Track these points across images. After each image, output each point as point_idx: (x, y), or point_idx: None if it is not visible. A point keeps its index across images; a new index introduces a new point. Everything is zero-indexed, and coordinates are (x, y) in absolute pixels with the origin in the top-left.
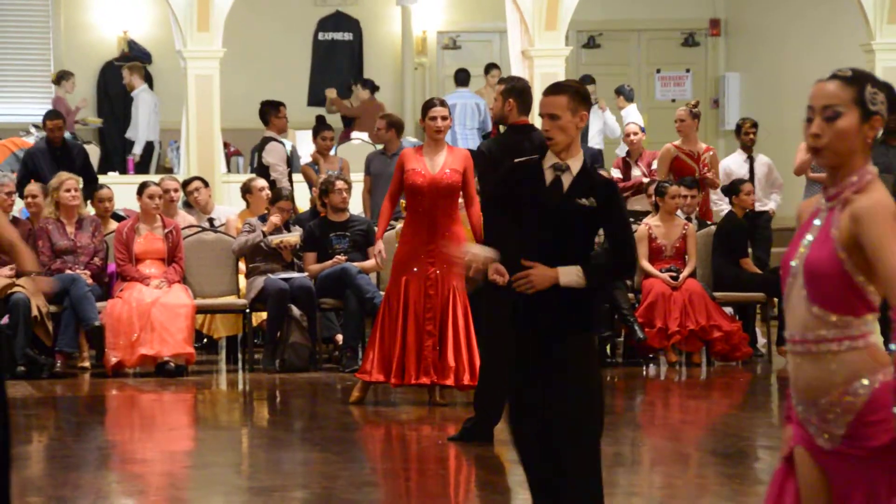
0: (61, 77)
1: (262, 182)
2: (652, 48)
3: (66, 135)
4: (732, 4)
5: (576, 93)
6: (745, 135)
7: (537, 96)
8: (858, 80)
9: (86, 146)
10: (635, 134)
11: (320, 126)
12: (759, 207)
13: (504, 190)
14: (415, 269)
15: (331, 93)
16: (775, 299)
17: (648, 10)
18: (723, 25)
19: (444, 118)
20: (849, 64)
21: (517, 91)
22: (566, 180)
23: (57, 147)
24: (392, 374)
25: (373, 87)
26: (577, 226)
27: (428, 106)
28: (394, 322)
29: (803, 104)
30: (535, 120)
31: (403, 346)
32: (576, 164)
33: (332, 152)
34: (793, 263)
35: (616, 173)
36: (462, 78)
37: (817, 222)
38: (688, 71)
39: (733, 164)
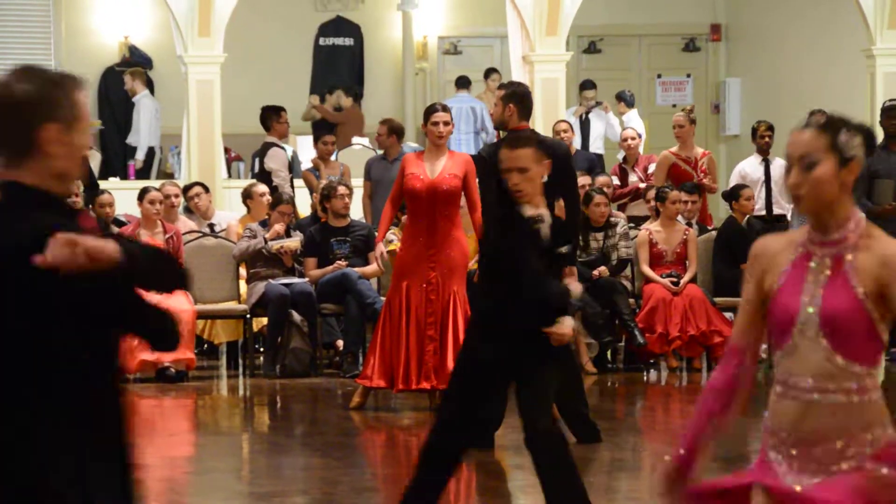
0: None
1: (262, 187)
2: (653, 53)
3: None
4: (733, 9)
5: (539, 143)
6: (761, 138)
7: (538, 102)
8: (833, 127)
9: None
10: (633, 139)
11: (321, 131)
12: (776, 211)
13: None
14: (416, 274)
15: (314, 99)
16: None
17: (649, 16)
18: (723, 30)
19: (445, 123)
20: (849, 69)
21: (518, 96)
22: (544, 231)
23: None
24: (393, 380)
25: (356, 95)
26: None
27: (430, 111)
28: (395, 327)
29: (804, 109)
30: (536, 125)
31: (406, 352)
32: (546, 211)
33: (332, 157)
34: (810, 310)
35: (614, 179)
36: (462, 82)
37: (814, 265)
38: (688, 76)
39: (749, 167)
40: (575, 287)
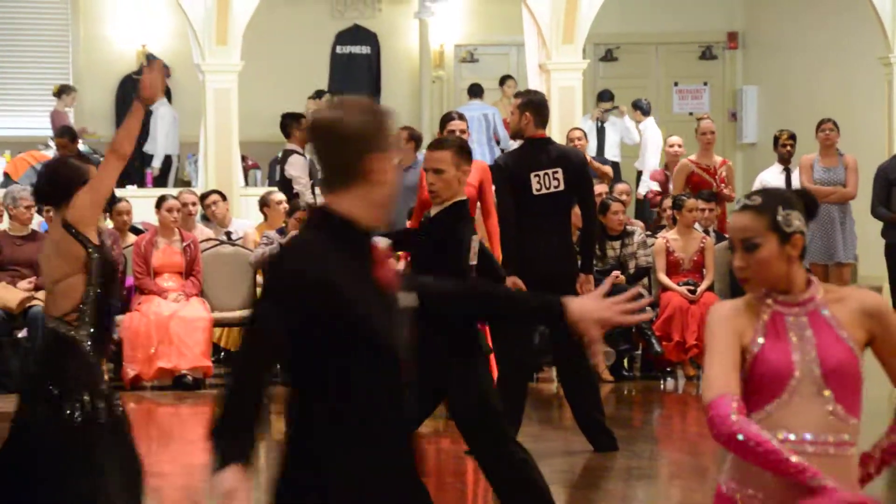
0: (62, 91)
1: (279, 195)
2: (669, 61)
3: (82, 148)
4: (750, 17)
5: (459, 148)
6: (783, 146)
7: (555, 110)
8: (769, 207)
9: (102, 159)
10: (680, 146)
11: None
12: None
13: None
14: None
15: (312, 104)
16: None
17: (666, 24)
18: (740, 38)
19: (462, 132)
20: (867, 77)
21: (534, 104)
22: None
23: None
24: None
25: None
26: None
27: (446, 119)
28: None
29: (820, 117)
30: (552, 133)
31: None
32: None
33: None
34: (798, 366)
35: (654, 186)
36: (475, 91)
37: (792, 320)
38: (705, 84)
39: (770, 176)
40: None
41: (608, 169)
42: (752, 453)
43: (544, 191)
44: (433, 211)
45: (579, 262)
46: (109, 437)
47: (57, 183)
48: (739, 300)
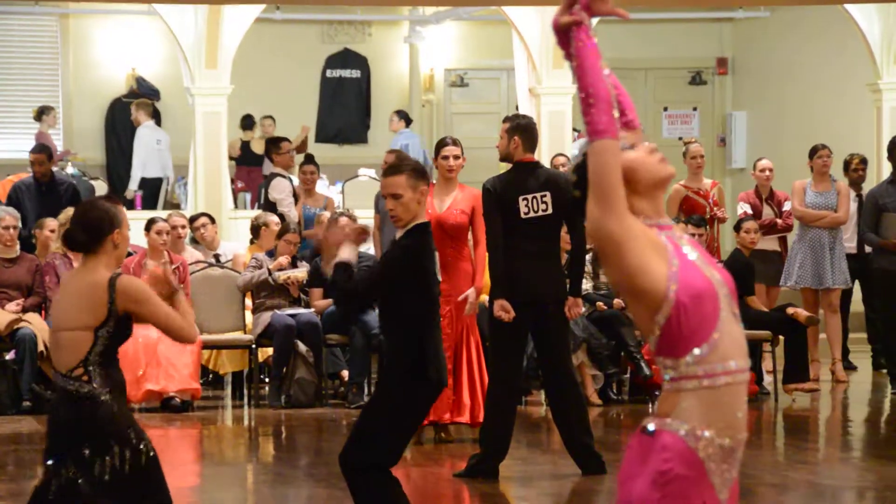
0: (42, 112)
1: (275, 217)
2: (659, 86)
3: (71, 170)
4: (739, 43)
5: (413, 170)
6: (854, 171)
7: (545, 135)
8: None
9: (92, 182)
10: (771, 171)
11: (303, 161)
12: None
13: None
14: None
15: (305, 130)
16: (780, 337)
17: (656, 49)
18: (730, 64)
19: (455, 157)
20: (856, 103)
21: (522, 128)
22: None
23: (43, 183)
24: None
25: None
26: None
27: (441, 145)
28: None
29: (809, 143)
30: (542, 157)
31: None
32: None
33: (319, 188)
34: (719, 289)
35: (744, 207)
36: (402, 115)
37: (691, 245)
38: (695, 109)
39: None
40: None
41: None
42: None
43: (532, 214)
44: (397, 234)
45: (568, 285)
46: (134, 486)
47: (89, 228)
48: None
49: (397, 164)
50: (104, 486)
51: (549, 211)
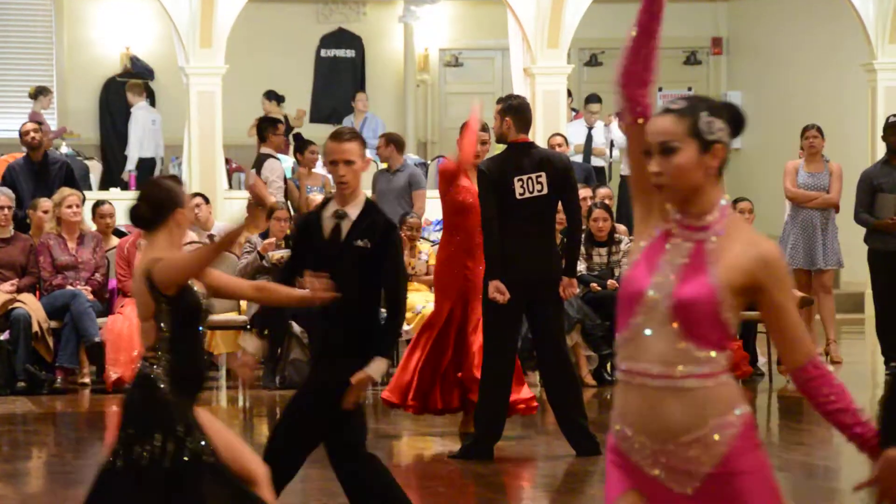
0: (39, 92)
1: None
2: None
3: (65, 150)
4: (734, 23)
5: (363, 141)
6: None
7: (539, 115)
8: (692, 111)
9: (86, 162)
10: (751, 212)
11: (304, 142)
12: None
13: (298, 248)
14: (459, 294)
15: (300, 112)
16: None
17: None
18: (725, 44)
19: (483, 143)
20: (850, 83)
21: (514, 109)
22: (345, 226)
23: (36, 162)
24: (426, 401)
25: (279, 98)
26: (360, 269)
27: (482, 129)
28: (441, 352)
29: (804, 123)
30: (537, 137)
31: (442, 373)
32: (356, 209)
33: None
34: (651, 293)
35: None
36: None
37: (672, 251)
38: (690, 89)
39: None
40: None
41: None
42: None
43: (527, 195)
44: (347, 209)
45: (563, 266)
46: (171, 485)
47: (154, 205)
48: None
49: (350, 131)
50: (139, 471)
51: (544, 191)
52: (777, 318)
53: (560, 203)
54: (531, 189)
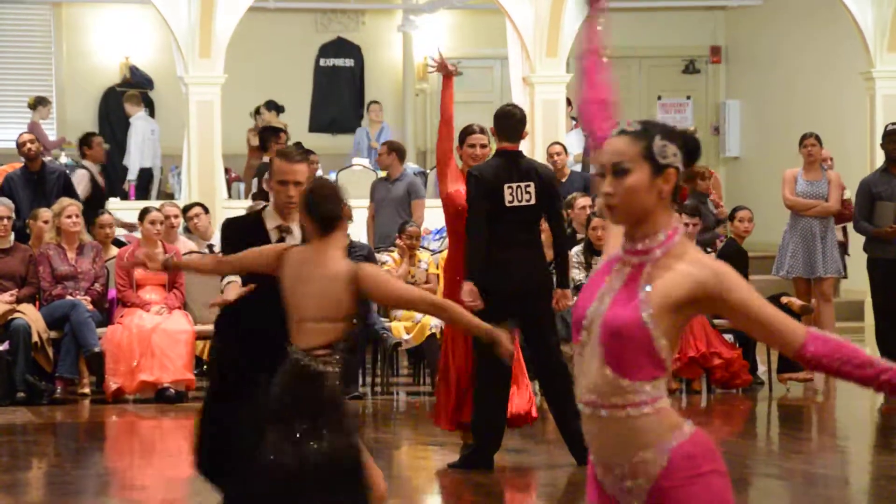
0: (38, 103)
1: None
2: (653, 75)
3: (64, 160)
4: (733, 32)
5: (311, 161)
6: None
7: (539, 124)
8: (646, 134)
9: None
10: (750, 220)
11: (304, 152)
12: None
13: (230, 248)
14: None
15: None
16: None
17: (649, 38)
18: (723, 53)
19: (482, 146)
20: (849, 92)
21: (496, 117)
22: (291, 242)
23: (34, 172)
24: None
25: (278, 109)
26: None
27: (467, 132)
28: (462, 367)
29: (803, 131)
30: (536, 146)
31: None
32: (297, 228)
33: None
34: (586, 320)
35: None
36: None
37: (614, 275)
38: (688, 98)
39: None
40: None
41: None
42: None
43: (516, 203)
44: (291, 226)
45: (554, 277)
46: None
47: (339, 206)
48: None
49: (302, 152)
50: (310, 466)
51: (532, 201)
52: (749, 315)
53: (545, 214)
54: (520, 198)
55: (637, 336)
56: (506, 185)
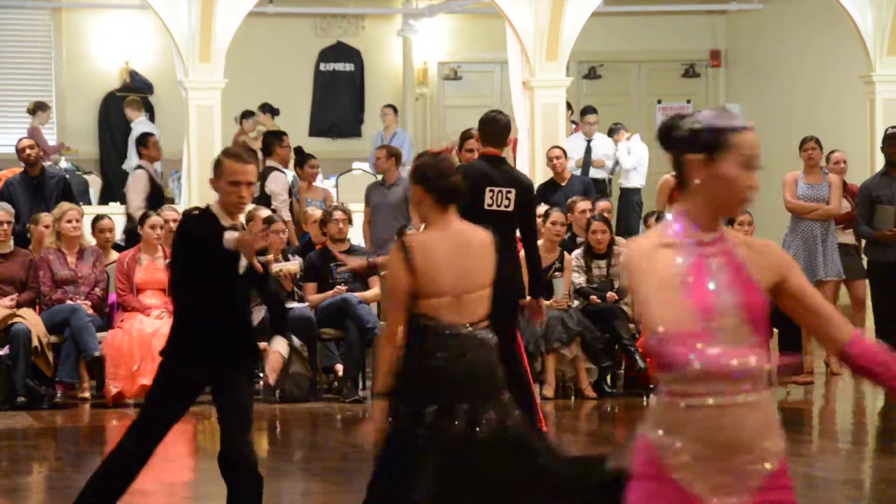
0: (37, 108)
1: (265, 211)
2: (652, 79)
3: (64, 165)
4: (733, 36)
5: (312, 165)
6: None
7: (538, 128)
8: None
9: (86, 177)
10: (844, 162)
11: (305, 156)
12: None
13: (193, 250)
14: None
15: (265, 118)
16: (775, 330)
17: (649, 42)
18: (723, 56)
19: (469, 150)
20: (849, 95)
21: (481, 122)
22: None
23: (33, 177)
24: None
25: (273, 111)
26: (251, 279)
27: (466, 136)
28: None
29: (802, 135)
30: (536, 150)
31: None
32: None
33: (317, 181)
34: (728, 303)
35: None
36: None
37: (710, 267)
38: (688, 102)
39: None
40: None
41: None
42: None
43: (495, 207)
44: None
45: (527, 284)
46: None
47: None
48: (644, 238)
49: (248, 152)
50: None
51: (511, 208)
52: (804, 301)
53: (519, 223)
54: (499, 202)
55: (764, 319)
56: (488, 189)
